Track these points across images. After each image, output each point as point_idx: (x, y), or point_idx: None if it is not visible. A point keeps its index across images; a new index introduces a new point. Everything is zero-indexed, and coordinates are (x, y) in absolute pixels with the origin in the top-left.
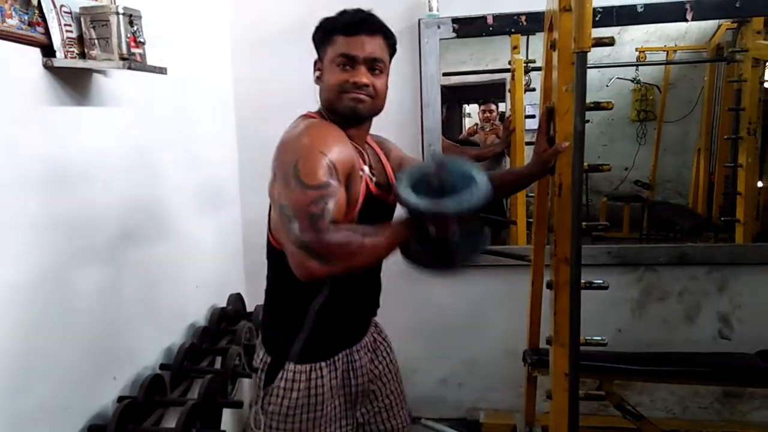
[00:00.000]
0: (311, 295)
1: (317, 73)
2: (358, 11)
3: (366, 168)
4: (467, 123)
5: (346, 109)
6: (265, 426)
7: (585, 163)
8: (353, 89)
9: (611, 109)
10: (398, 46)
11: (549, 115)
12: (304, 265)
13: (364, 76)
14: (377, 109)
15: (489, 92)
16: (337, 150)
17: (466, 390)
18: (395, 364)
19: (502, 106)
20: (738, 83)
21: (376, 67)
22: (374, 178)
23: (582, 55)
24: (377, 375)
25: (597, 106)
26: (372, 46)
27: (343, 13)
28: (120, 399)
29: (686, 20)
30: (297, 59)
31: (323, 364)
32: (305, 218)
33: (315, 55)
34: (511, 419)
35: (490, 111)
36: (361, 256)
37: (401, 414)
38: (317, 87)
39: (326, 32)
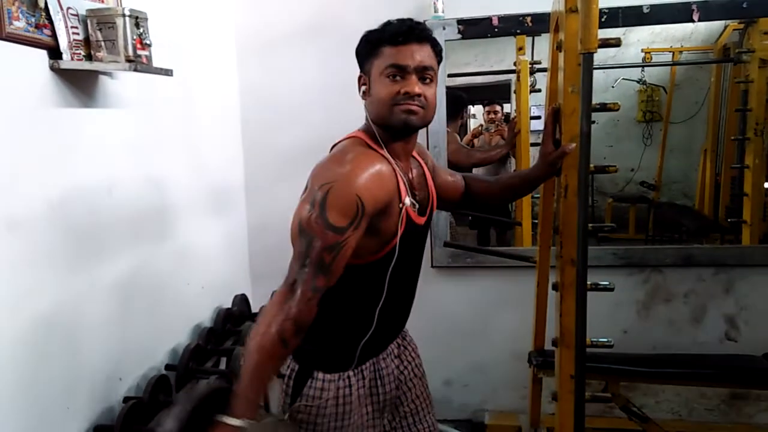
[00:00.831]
0: (347, 309)
1: (363, 87)
2: (404, 20)
3: (408, 199)
4: (472, 124)
5: (399, 122)
6: None
7: (591, 165)
8: (405, 100)
9: (618, 110)
10: None
11: (555, 116)
12: (294, 297)
13: (416, 86)
14: (428, 119)
15: (493, 93)
16: (375, 196)
17: (471, 391)
18: (420, 367)
19: (506, 107)
20: (745, 84)
21: (427, 75)
22: (416, 204)
23: (588, 56)
24: (403, 380)
25: (603, 108)
26: (422, 54)
27: (389, 24)
28: (126, 399)
29: (693, 21)
30: (303, 63)
31: (351, 373)
32: (317, 263)
33: (322, 60)
34: (516, 421)
35: (495, 112)
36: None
37: (428, 418)
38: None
39: (373, 44)
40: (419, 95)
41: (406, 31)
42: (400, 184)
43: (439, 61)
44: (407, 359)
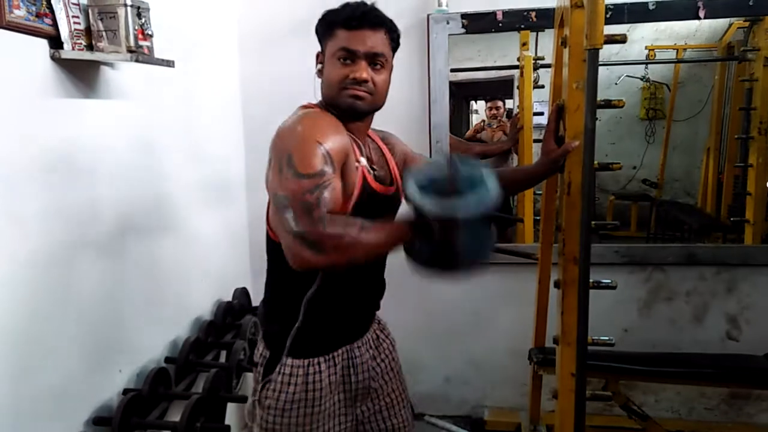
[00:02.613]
0: (305, 287)
1: (319, 66)
2: (361, 4)
3: (363, 159)
4: (474, 119)
5: (345, 105)
6: (261, 420)
7: (595, 162)
8: (353, 85)
9: (622, 107)
10: (406, 42)
11: (558, 113)
12: (300, 254)
13: (364, 71)
14: (377, 105)
15: (496, 89)
16: (333, 139)
17: (470, 388)
18: (397, 362)
19: (509, 103)
20: (749, 82)
21: (377, 62)
22: (373, 172)
23: (594, 52)
24: (379, 373)
25: (608, 104)
26: (373, 40)
27: (346, 6)
28: (125, 391)
29: (699, 18)
30: (305, 55)
31: (321, 359)
32: (300, 207)
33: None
34: (516, 417)
35: (497, 108)
36: (356, 249)
37: (402, 413)
38: (318, 79)
39: (328, 25)
40: (366, 81)
41: (359, 16)
42: (354, 146)
43: (395, 48)
44: (384, 352)
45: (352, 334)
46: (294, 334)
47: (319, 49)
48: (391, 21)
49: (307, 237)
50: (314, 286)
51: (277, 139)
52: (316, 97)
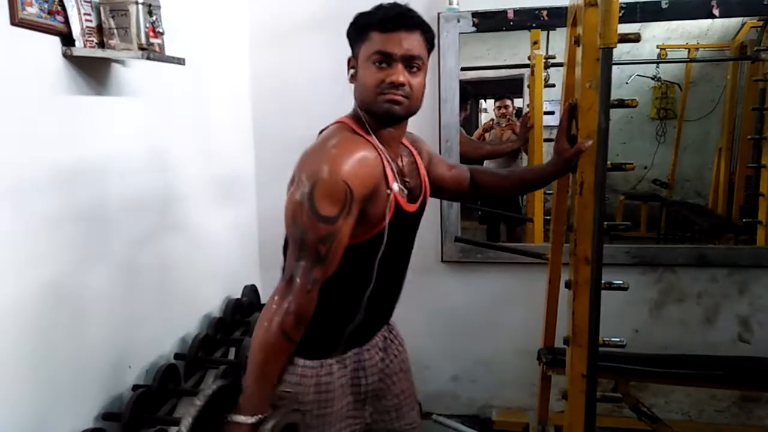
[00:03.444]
0: (364, 287)
1: (351, 71)
2: (395, 5)
3: (396, 186)
4: (483, 118)
5: (382, 111)
6: None
7: (608, 162)
8: (390, 89)
9: (636, 106)
10: None
11: (571, 112)
12: (292, 290)
13: (401, 75)
14: (413, 110)
15: (506, 88)
16: (361, 178)
17: (478, 387)
18: (406, 363)
19: (518, 102)
20: (763, 82)
21: (414, 64)
22: (406, 187)
23: (607, 51)
24: (387, 374)
25: (621, 104)
26: (410, 42)
27: (379, 8)
28: (135, 387)
29: (712, 17)
30: (316, 52)
31: (333, 361)
32: (313, 255)
33: (336, 49)
34: (524, 417)
35: (506, 107)
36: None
37: (410, 414)
38: (351, 86)
39: (361, 28)
40: (404, 84)
41: (395, 17)
42: (387, 169)
43: (430, 49)
44: (393, 353)
45: (365, 336)
46: (351, 331)
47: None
48: (425, 22)
49: (304, 288)
50: (371, 285)
51: (305, 158)
52: (342, 100)
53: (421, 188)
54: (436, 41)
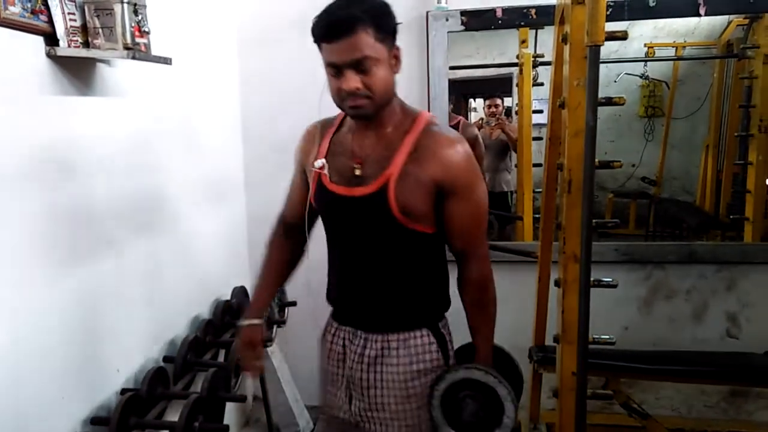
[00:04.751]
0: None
1: None
2: (331, 13)
3: (318, 162)
4: (472, 117)
5: (351, 115)
6: None
7: (596, 160)
8: (347, 97)
9: (623, 104)
10: (405, 39)
11: None
12: None
13: (352, 82)
14: (381, 103)
15: (495, 87)
16: (299, 143)
17: None
18: (400, 406)
19: (507, 101)
20: (749, 80)
21: (363, 66)
22: (354, 170)
23: (595, 49)
24: (365, 387)
25: (609, 102)
26: (352, 47)
27: (321, 16)
28: (123, 391)
29: (699, 15)
30: (305, 52)
31: (335, 324)
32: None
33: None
34: None
35: (496, 105)
36: None
37: None
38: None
39: (314, 39)
40: (357, 90)
41: (331, 29)
42: (322, 146)
43: (386, 35)
44: (379, 373)
45: (339, 316)
46: (332, 300)
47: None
48: (367, 15)
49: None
50: (333, 259)
51: None
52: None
53: (377, 180)
54: (424, 40)
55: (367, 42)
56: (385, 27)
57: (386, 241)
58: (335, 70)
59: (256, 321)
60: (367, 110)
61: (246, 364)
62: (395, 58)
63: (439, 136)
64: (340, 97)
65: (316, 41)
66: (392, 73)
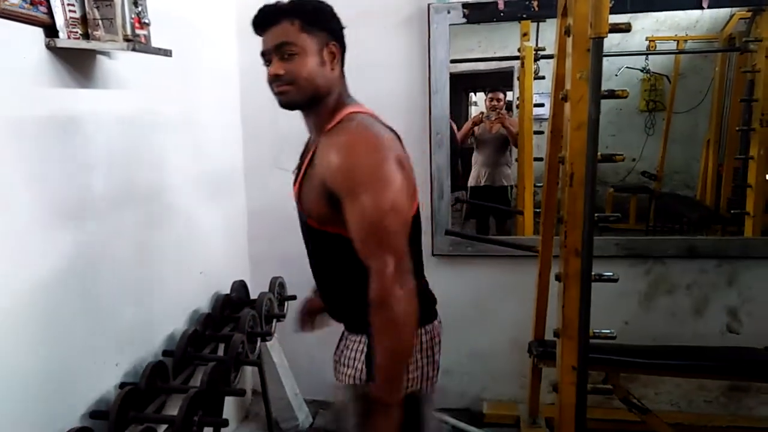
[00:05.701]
0: None
1: None
2: (263, 7)
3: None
4: (473, 111)
5: (279, 104)
6: None
7: (598, 153)
8: (273, 83)
9: (626, 97)
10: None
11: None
12: None
13: (275, 67)
14: (308, 93)
15: (496, 80)
16: None
17: (470, 380)
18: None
19: (509, 95)
20: (751, 74)
21: (286, 51)
22: (295, 172)
23: (598, 41)
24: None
25: (612, 95)
26: (276, 34)
27: (256, 12)
28: (122, 385)
29: (701, 8)
30: None
31: None
32: None
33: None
34: (515, 410)
35: (498, 99)
36: None
37: None
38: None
39: (255, 34)
40: (279, 75)
41: (259, 21)
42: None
43: (314, 30)
44: (336, 366)
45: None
46: None
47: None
48: (298, 6)
49: None
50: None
51: None
52: None
53: (296, 181)
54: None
55: (290, 30)
56: (314, 21)
57: (314, 241)
58: (266, 59)
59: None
60: (291, 97)
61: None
62: (331, 54)
63: (334, 135)
64: (270, 86)
65: (258, 35)
66: (323, 67)
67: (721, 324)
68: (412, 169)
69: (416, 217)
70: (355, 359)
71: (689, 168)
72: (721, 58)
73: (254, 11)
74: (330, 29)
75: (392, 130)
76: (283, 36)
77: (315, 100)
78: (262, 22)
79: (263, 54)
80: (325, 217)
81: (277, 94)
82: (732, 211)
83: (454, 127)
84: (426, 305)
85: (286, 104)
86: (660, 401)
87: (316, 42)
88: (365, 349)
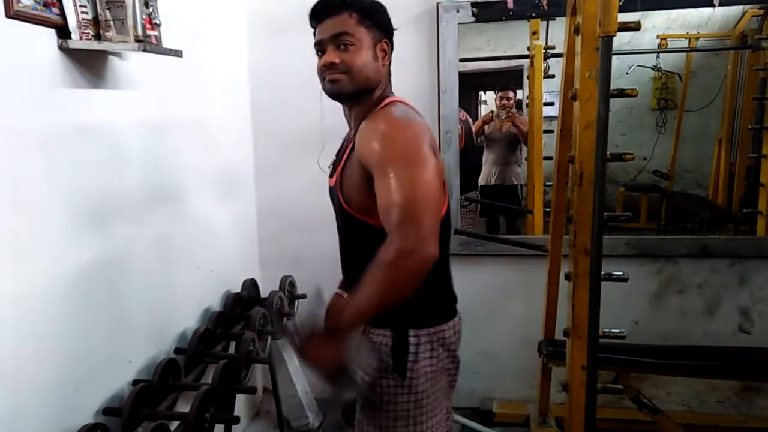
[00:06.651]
0: None
1: None
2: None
3: (334, 157)
4: (483, 110)
5: (328, 92)
6: None
7: (607, 152)
8: (327, 71)
9: (636, 96)
10: (416, 31)
11: None
12: None
13: (331, 56)
14: (360, 84)
15: (505, 79)
16: None
17: (479, 379)
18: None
19: (519, 94)
20: (764, 71)
21: (343, 41)
22: (331, 166)
23: (607, 40)
24: None
25: (621, 93)
26: (335, 24)
27: (315, 3)
28: (135, 382)
29: (713, 6)
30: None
31: None
32: None
33: None
34: (525, 409)
35: (508, 98)
36: None
37: None
38: None
39: (311, 25)
40: (335, 63)
41: (320, 10)
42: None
43: (374, 23)
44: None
45: None
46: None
47: None
48: (359, 2)
49: None
50: None
51: None
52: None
53: (336, 171)
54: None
55: (349, 22)
56: (372, 17)
57: (350, 232)
58: (321, 49)
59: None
60: (342, 86)
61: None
62: (383, 51)
63: (372, 120)
64: (321, 74)
65: (312, 27)
66: (376, 62)
67: (732, 324)
68: (444, 171)
69: (446, 218)
70: (380, 352)
71: (701, 167)
72: (733, 55)
73: (267, 11)
74: (384, 27)
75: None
76: (342, 26)
77: (364, 92)
78: (322, 12)
79: (318, 43)
80: (363, 203)
81: (329, 81)
82: (744, 210)
83: (471, 122)
84: (450, 302)
85: (337, 93)
86: (671, 401)
87: (372, 37)
88: (390, 342)
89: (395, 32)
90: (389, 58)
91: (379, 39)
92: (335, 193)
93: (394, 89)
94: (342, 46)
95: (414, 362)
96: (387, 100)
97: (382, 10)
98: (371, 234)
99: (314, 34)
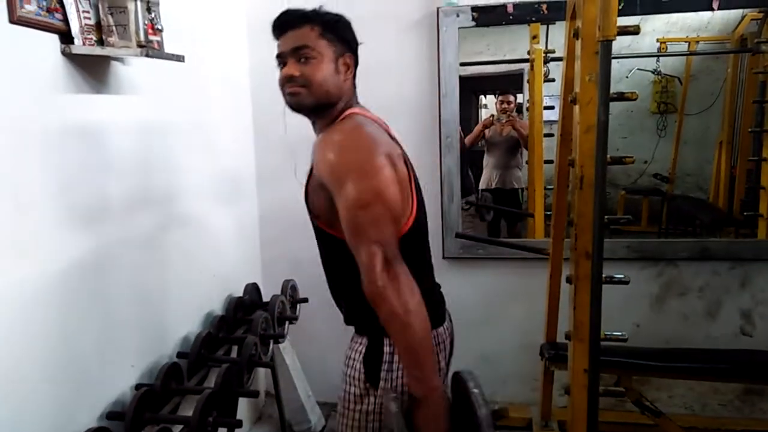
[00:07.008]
0: None
1: None
2: (283, 13)
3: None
4: (483, 114)
5: (288, 105)
6: None
7: (608, 156)
8: (287, 84)
9: (635, 99)
10: (416, 35)
11: None
12: None
13: (291, 69)
14: (320, 98)
15: (506, 83)
16: None
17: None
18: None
19: (519, 98)
20: (763, 75)
21: (303, 54)
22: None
23: (607, 44)
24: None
25: (621, 97)
26: (295, 37)
27: (277, 15)
28: (138, 386)
29: (712, 9)
30: None
31: None
32: None
33: None
34: (527, 413)
35: (509, 102)
36: None
37: None
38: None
39: (273, 37)
40: (294, 76)
41: (281, 24)
42: None
43: (336, 37)
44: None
45: None
46: None
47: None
48: (317, 14)
49: None
50: None
51: None
52: None
53: (305, 184)
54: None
55: (310, 36)
56: (334, 30)
57: (322, 244)
58: (282, 61)
59: None
60: (301, 99)
61: None
62: (345, 65)
63: (327, 134)
64: (282, 87)
65: (275, 38)
66: (337, 76)
67: (734, 326)
68: (413, 171)
69: (419, 220)
70: (354, 359)
71: (701, 170)
72: (732, 59)
73: (268, 16)
74: (347, 41)
75: (392, 136)
76: (302, 39)
77: (324, 105)
78: (284, 24)
79: (279, 56)
80: (327, 216)
81: (288, 94)
82: (745, 213)
83: (460, 131)
84: (431, 309)
85: (296, 106)
86: (673, 404)
87: (334, 50)
88: (364, 350)
89: (396, 36)
90: (353, 72)
91: (342, 53)
92: (306, 206)
93: (394, 93)
94: (302, 60)
95: (388, 372)
96: (347, 112)
97: (346, 24)
98: (339, 246)
99: (277, 46)
